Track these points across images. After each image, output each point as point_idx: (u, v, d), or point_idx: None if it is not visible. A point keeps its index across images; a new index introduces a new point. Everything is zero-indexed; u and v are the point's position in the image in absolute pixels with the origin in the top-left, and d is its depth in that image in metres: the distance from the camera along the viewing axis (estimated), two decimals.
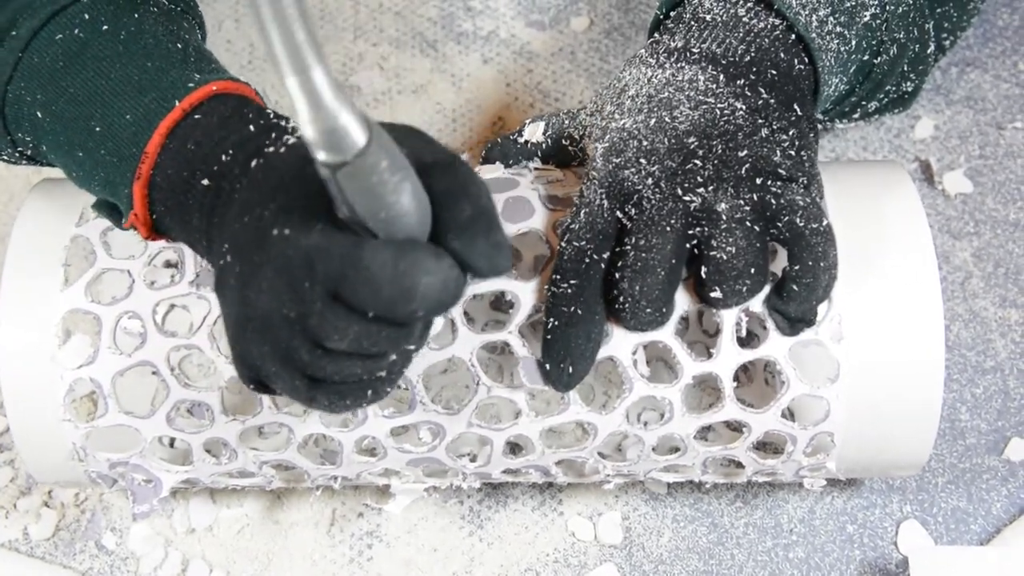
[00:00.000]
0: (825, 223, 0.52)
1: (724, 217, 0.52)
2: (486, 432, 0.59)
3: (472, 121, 0.86)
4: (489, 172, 0.62)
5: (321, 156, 0.40)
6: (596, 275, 0.53)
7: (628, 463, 0.61)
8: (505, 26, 0.90)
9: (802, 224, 0.52)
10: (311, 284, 0.45)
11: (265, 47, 0.36)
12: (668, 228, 0.52)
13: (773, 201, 0.52)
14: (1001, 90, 0.83)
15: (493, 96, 0.87)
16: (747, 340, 0.57)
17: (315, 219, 0.45)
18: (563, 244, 0.54)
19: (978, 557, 0.64)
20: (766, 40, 0.57)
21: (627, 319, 0.54)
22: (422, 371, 0.57)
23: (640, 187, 0.53)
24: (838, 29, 0.58)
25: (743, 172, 0.53)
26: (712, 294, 0.53)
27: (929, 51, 0.66)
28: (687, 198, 0.53)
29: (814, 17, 0.57)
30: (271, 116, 0.54)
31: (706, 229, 0.52)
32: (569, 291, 0.53)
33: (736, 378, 0.56)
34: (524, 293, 0.56)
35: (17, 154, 0.62)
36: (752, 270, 0.52)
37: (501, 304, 0.69)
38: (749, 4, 0.58)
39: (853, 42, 0.60)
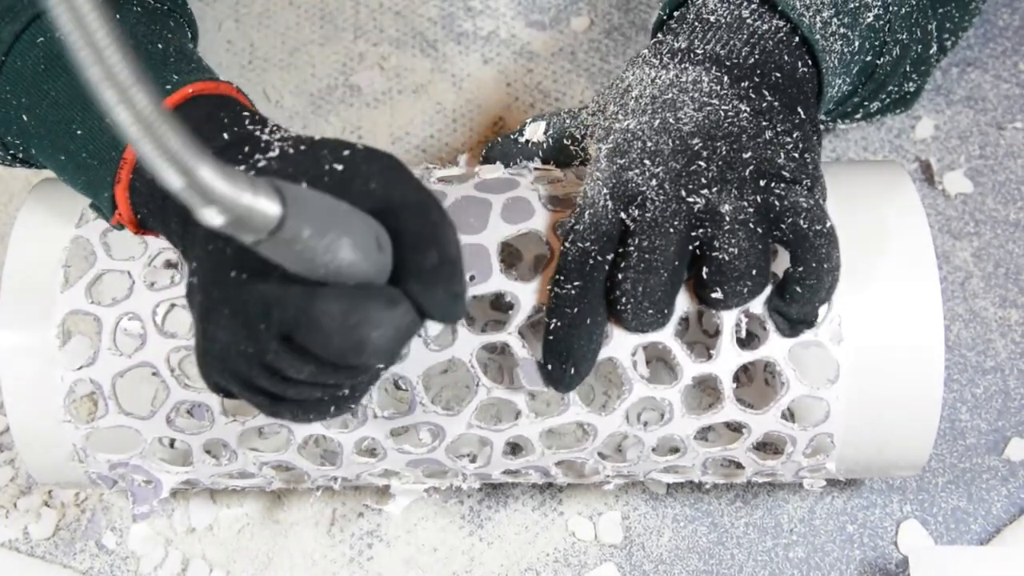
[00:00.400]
0: (828, 225, 0.52)
1: (728, 219, 0.52)
2: (486, 433, 0.59)
3: (472, 121, 0.86)
4: (489, 172, 0.62)
5: (236, 237, 0.39)
6: (599, 276, 0.53)
7: (628, 464, 0.61)
8: (505, 26, 0.90)
9: (806, 226, 0.52)
10: (266, 327, 0.45)
11: (144, 162, 0.34)
12: (672, 230, 0.52)
13: (777, 203, 0.52)
14: (1001, 90, 0.83)
15: (493, 96, 0.86)
16: (747, 341, 0.57)
17: (271, 264, 0.45)
18: (567, 245, 0.54)
19: (978, 557, 0.64)
20: (770, 42, 0.57)
21: (629, 320, 0.54)
22: (422, 372, 0.57)
23: (644, 188, 0.53)
24: (842, 30, 0.58)
25: (747, 174, 0.53)
26: (713, 295, 0.53)
27: (931, 51, 0.66)
28: (691, 199, 0.53)
29: (818, 19, 0.57)
30: (247, 122, 0.53)
31: (709, 230, 0.52)
32: (572, 292, 0.53)
33: (736, 379, 0.56)
34: (524, 294, 0.56)
35: (10, 157, 0.62)
36: (754, 271, 0.52)
37: (501, 304, 0.69)
38: (753, 5, 0.58)
39: (856, 43, 0.60)
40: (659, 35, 0.60)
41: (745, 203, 0.52)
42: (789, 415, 0.59)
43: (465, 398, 0.57)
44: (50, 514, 0.72)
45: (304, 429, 0.59)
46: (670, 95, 0.56)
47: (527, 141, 0.64)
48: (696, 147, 0.54)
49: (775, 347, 0.56)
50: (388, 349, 0.45)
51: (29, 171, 0.83)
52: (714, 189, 0.53)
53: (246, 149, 0.51)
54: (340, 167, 0.48)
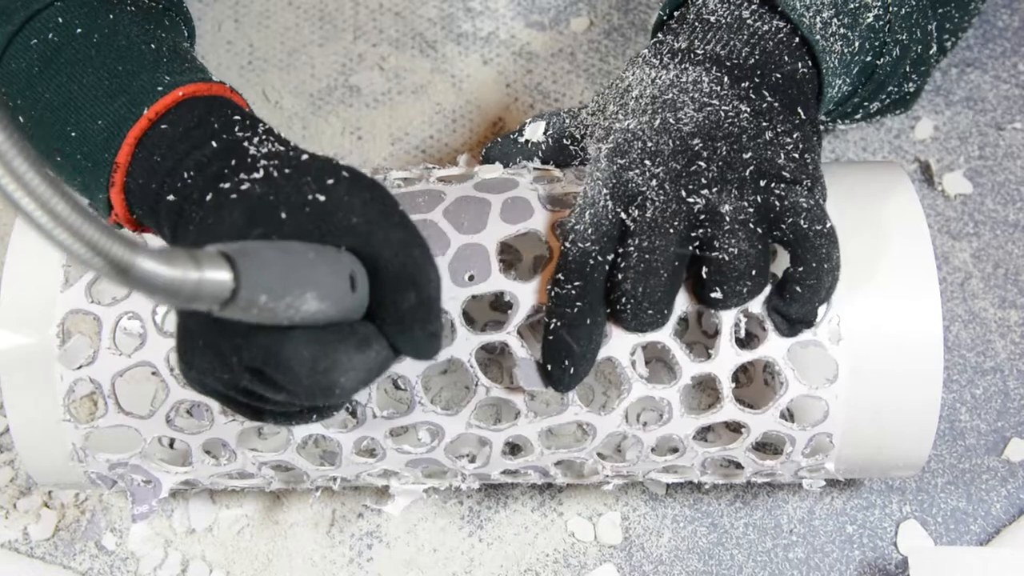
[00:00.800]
0: (828, 225, 0.52)
1: (727, 219, 0.52)
2: (485, 433, 0.59)
3: (472, 122, 0.86)
4: (489, 172, 0.62)
5: (194, 308, 0.39)
6: (600, 276, 0.53)
7: (627, 464, 0.61)
8: (505, 27, 0.90)
9: (806, 226, 0.52)
10: (238, 361, 0.46)
11: (80, 264, 0.35)
12: (672, 230, 0.52)
13: (777, 203, 0.52)
14: (1001, 91, 0.83)
15: (493, 97, 0.87)
16: (746, 341, 0.57)
17: None
18: (567, 245, 0.54)
19: (978, 557, 0.64)
20: (770, 43, 0.57)
21: (628, 320, 0.54)
22: (421, 372, 0.57)
23: (644, 188, 0.54)
24: (842, 31, 0.58)
25: (747, 174, 0.53)
26: (713, 295, 0.53)
27: (931, 52, 0.66)
28: (691, 200, 0.53)
29: (818, 19, 0.57)
30: (236, 128, 0.53)
31: (709, 230, 0.52)
32: (572, 292, 0.53)
33: (735, 379, 0.57)
34: (523, 294, 0.56)
35: None
36: (753, 271, 0.52)
37: (500, 305, 0.69)
38: (753, 6, 0.58)
39: (856, 43, 0.60)
40: (659, 35, 0.61)
41: (745, 203, 0.52)
42: (788, 415, 0.59)
43: (464, 398, 0.57)
44: (50, 515, 0.72)
45: (303, 430, 0.59)
46: (670, 95, 0.56)
47: (526, 141, 0.64)
48: (696, 147, 0.54)
49: (774, 347, 0.56)
50: (357, 388, 0.46)
51: None
52: (714, 189, 0.53)
53: (232, 163, 0.51)
54: (323, 198, 0.48)
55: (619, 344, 0.55)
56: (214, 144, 0.52)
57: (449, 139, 0.85)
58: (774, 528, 0.69)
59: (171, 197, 0.52)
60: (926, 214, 0.59)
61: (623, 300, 0.53)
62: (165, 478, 0.63)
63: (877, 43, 0.61)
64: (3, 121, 0.32)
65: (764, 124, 0.55)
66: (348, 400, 0.51)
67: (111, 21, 0.57)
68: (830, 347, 0.56)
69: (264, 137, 0.52)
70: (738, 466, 0.63)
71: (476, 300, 0.57)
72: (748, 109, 0.55)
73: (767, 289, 0.54)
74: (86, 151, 0.55)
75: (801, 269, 0.52)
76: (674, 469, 0.62)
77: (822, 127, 0.67)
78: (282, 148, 0.52)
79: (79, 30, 0.57)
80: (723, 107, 0.55)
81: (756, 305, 0.55)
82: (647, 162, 0.54)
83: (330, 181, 0.49)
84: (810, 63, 0.58)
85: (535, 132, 0.64)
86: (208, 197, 0.50)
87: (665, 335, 0.55)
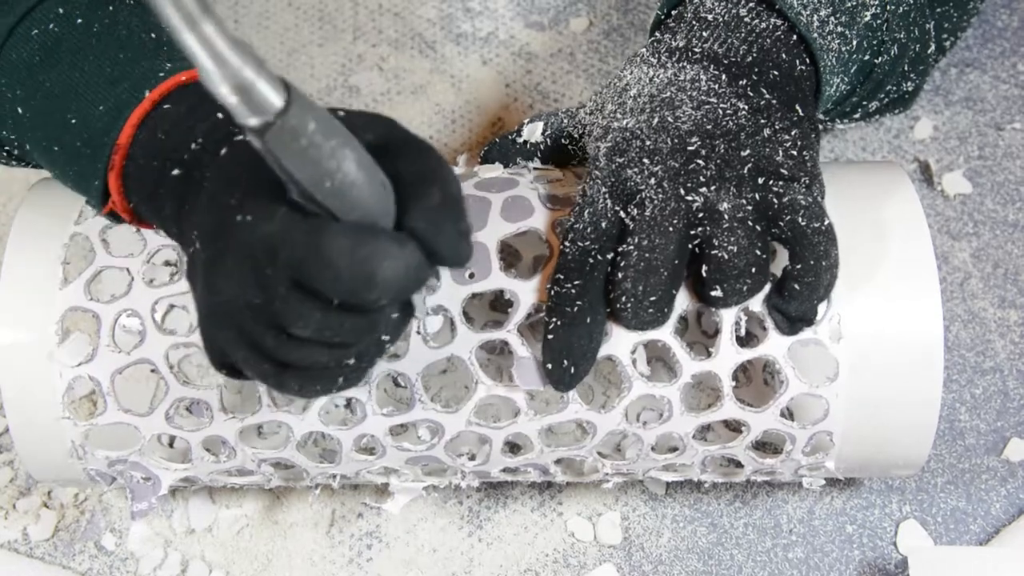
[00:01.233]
0: (827, 222, 0.52)
1: (726, 217, 0.52)
2: (485, 431, 0.58)
3: (471, 122, 0.86)
4: (488, 172, 0.62)
5: (242, 119, 0.39)
6: (600, 275, 0.53)
7: (627, 462, 0.61)
8: (504, 27, 0.90)
9: (804, 223, 0.52)
10: (273, 271, 0.44)
11: (155, 12, 0.36)
12: (671, 228, 0.52)
13: (775, 201, 0.52)
14: (1000, 91, 0.83)
15: (492, 97, 0.87)
16: (746, 340, 0.57)
17: (277, 205, 0.45)
18: (567, 244, 0.54)
19: (977, 557, 0.64)
20: (768, 40, 0.57)
21: (628, 319, 0.54)
22: (421, 370, 0.57)
23: (643, 187, 0.54)
24: (839, 29, 0.59)
25: (745, 172, 0.53)
26: (712, 293, 0.53)
27: (930, 51, 0.66)
28: (689, 198, 0.53)
29: (815, 17, 0.58)
30: None
31: (708, 229, 0.52)
32: (573, 291, 0.53)
33: (735, 379, 0.56)
34: (523, 292, 0.56)
35: (5, 154, 0.62)
36: (753, 269, 0.52)
37: (500, 304, 0.69)
38: (751, 4, 0.58)
39: (854, 42, 0.60)
40: (657, 34, 0.61)
41: (744, 201, 0.52)
42: (788, 413, 0.59)
43: (464, 397, 0.57)
44: (49, 515, 0.72)
45: (302, 426, 0.59)
46: (668, 94, 0.56)
47: (525, 141, 0.64)
48: (695, 145, 0.54)
49: (774, 345, 0.56)
50: (398, 285, 0.44)
51: (29, 171, 0.83)
52: (713, 187, 0.53)
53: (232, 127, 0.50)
54: (342, 114, 0.47)
55: (619, 343, 0.55)
56: (220, 115, 0.52)
57: (448, 139, 0.85)
58: (774, 528, 0.69)
59: (176, 172, 0.51)
60: (925, 214, 0.59)
61: (623, 299, 0.53)
62: (164, 475, 0.63)
63: (875, 41, 0.61)
64: None
65: (762, 122, 0.55)
66: (381, 311, 0.47)
67: (111, 12, 0.58)
68: (830, 346, 0.56)
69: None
70: (738, 465, 0.63)
71: (476, 299, 0.57)
72: (746, 107, 0.55)
73: (767, 287, 0.54)
74: (85, 137, 0.55)
75: (800, 266, 0.52)
76: (674, 468, 0.62)
77: (821, 126, 0.67)
78: None
79: (80, 20, 0.57)
80: (721, 105, 0.55)
81: (756, 304, 0.55)
82: (646, 161, 0.54)
83: (341, 113, 0.48)
84: (808, 61, 0.58)
85: (533, 132, 0.64)
86: (223, 152, 0.49)
87: (665, 333, 0.55)
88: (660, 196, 0.53)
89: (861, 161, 0.81)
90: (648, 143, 0.55)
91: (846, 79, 0.62)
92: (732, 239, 0.52)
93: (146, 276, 0.59)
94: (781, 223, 0.52)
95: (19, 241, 0.62)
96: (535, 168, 0.64)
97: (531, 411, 0.58)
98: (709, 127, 0.54)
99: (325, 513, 0.71)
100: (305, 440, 0.60)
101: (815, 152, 0.56)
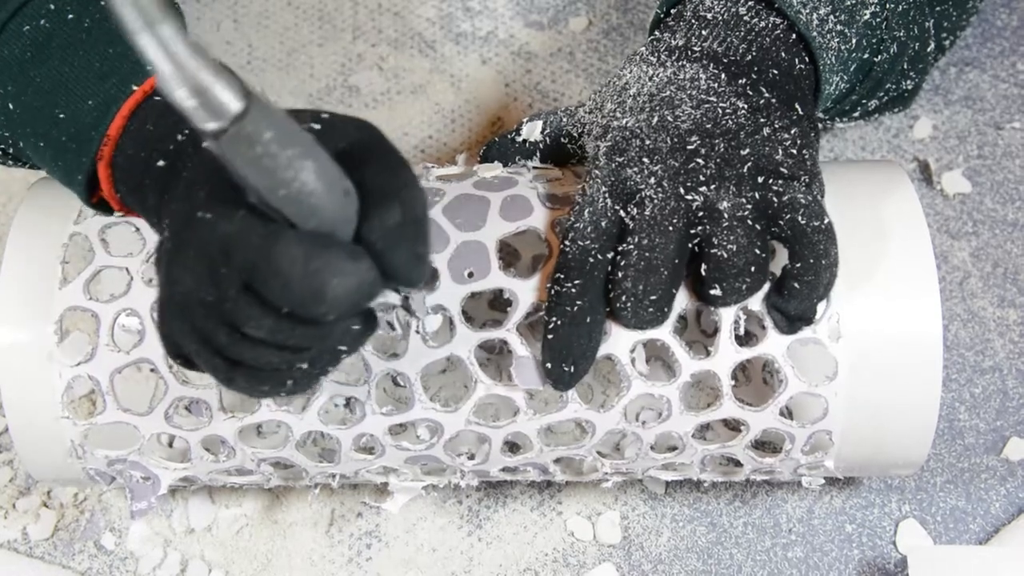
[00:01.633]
0: (826, 221, 0.52)
1: (726, 215, 0.52)
2: (484, 430, 0.58)
3: (471, 121, 0.86)
4: (488, 171, 0.62)
5: (198, 123, 0.38)
6: (600, 274, 0.53)
7: (626, 461, 0.61)
8: (504, 26, 0.90)
9: (804, 222, 0.52)
10: (227, 271, 0.45)
11: (113, 12, 0.35)
12: (671, 227, 0.52)
13: (775, 199, 0.52)
14: (999, 90, 0.83)
15: (492, 96, 0.87)
16: (745, 339, 0.57)
17: (239, 205, 0.44)
18: (567, 243, 0.54)
19: (977, 556, 0.64)
20: (767, 39, 0.57)
21: (628, 318, 0.54)
22: (420, 370, 0.57)
23: (643, 186, 0.54)
24: (839, 28, 0.59)
25: (745, 171, 0.53)
26: (712, 292, 0.53)
27: (929, 49, 0.66)
28: (689, 197, 0.53)
29: (815, 16, 0.58)
30: None
31: (708, 228, 0.52)
32: (573, 290, 0.53)
33: (734, 378, 0.56)
34: (523, 292, 0.56)
35: (0, 153, 0.62)
36: (752, 268, 0.52)
37: (499, 304, 0.69)
38: (750, 3, 0.58)
39: (853, 40, 0.60)
40: (656, 33, 0.61)
41: (743, 200, 0.52)
42: (787, 412, 0.59)
43: (463, 396, 0.57)
44: (49, 515, 0.72)
45: (302, 426, 0.59)
46: (668, 93, 0.56)
47: (524, 140, 0.64)
48: (694, 144, 0.54)
49: (773, 344, 0.56)
50: (349, 301, 0.44)
51: (27, 171, 0.83)
52: (712, 186, 0.53)
53: None
54: (317, 126, 0.47)
55: (619, 342, 0.55)
56: None
57: (448, 139, 0.85)
58: (773, 527, 0.68)
59: (161, 162, 0.52)
60: (925, 213, 0.59)
61: (623, 298, 0.53)
62: (164, 474, 0.63)
63: (874, 40, 0.61)
64: None
65: (761, 120, 0.55)
66: (335, 322, 0.47)
67: (102, 8, 0.58)
68: (830, 345, 0.56)
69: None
70: (737, 464, 0.63)
71: (475, 299, 0.57)
72: (745, 106, 0.55)
73: (766, 286, 0.54)
74: (73, 132, 0.55)
75: (799, 265, 0.52)
76: (673, 467, 0.62)
77: (820, 125, 0.67)
78: None
79: (71, 16, 0.57)
80: (720, 104, 0.55)
81: (755, 303, 0.55)
82: (645, 160, 0.54)
83: (324, 115, 0.48)
84: (807, 59, 0.58)
85: (532, 131, 0.64)
86: (204, 143, 0.50)
87: (665, 332, 0.55)
88: (660, 195, 0.53)
89: (860, 160, 0.81)
90: (648, 142, 0.55)
91: (845, 78, 0.62)
92: (732, 238, 0.52)
93: (145, 275, 0.59)
94: (781, 222, 0.52)
95: (18, 241, 0.62)
96: (534, 167, 0.64)
97: (530, 410, 0.58)
98: (709, 126, 0.54)
99: (324, 512, 0.71)
100: (304, 439, 0.60)
101: (815, 151, 0.56)
